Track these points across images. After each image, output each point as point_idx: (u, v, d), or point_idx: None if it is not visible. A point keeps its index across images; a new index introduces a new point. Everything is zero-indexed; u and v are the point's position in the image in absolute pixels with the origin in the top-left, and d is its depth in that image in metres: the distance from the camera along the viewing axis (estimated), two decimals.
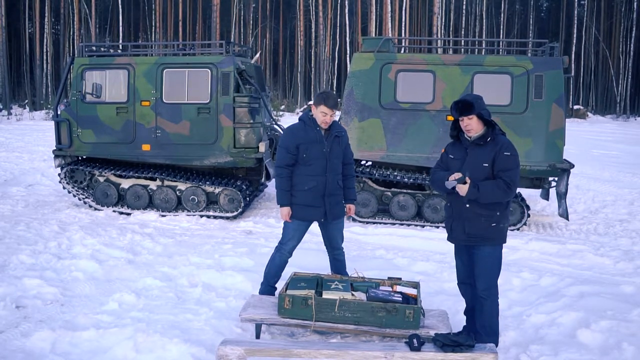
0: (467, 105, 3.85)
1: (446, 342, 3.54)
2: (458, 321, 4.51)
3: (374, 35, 32.28)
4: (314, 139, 4.55)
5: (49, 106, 28.19)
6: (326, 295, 4.16)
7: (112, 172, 8.51)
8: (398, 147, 7.98)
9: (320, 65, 37.86)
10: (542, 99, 7.61)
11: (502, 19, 41.86)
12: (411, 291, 4.25)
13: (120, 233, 7.22)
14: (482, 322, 4.00)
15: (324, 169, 4.59)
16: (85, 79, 8.37)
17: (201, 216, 8.39)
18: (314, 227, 4.89)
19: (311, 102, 4.67)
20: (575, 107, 35.31)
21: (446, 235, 4.21)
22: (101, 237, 6.94)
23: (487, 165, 3.86)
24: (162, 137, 8.26)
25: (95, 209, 8.63)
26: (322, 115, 4.52)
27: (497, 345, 4.03)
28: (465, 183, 3.82)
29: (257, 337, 4.22)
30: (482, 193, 3.80)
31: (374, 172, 8.06)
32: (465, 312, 4.30)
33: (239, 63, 8.21)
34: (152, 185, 8.59)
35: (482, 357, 3.49)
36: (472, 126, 3.89)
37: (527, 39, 39.83)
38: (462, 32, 39.05)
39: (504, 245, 4.05)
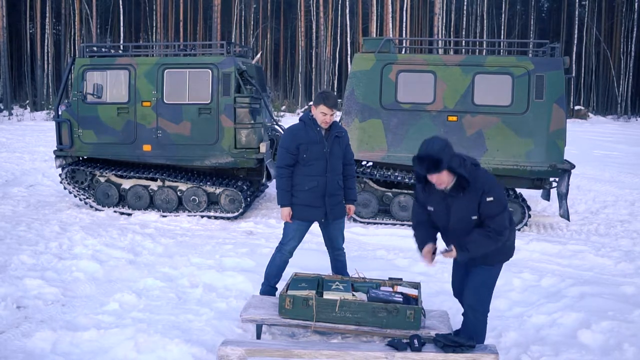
0: (434, 162, 3.36)
1: (447, 343, 3.54)
2: (459, 322, 4.49)
3: (374, 35, 32.29)
4: (315, 140, 4.56)
5: (50, 106, 28.22)
6: (327, 295, 4.16)
7: (113, 172, 8.51)
8: (399, 147, 7.98)
9: (321, 65, 37.86)
10: (543, 100, 7.60)
11: (503, 20, 41.86)
12: (412, 292, 4.25)
13: (121, 233, 7.22)
14: (466, 333, 3.76)
15: (324, 169, 4.59)
16: (86, 79, 8.38)
17: (202, 217, 8.39)
18: (315, 227, 4.89)
19: (312, 103, 4.67)
20: (576, 107, 35.31)
21: None
22: (102, 238, 6.94)
23: (475, 217, 3.50)
24: (163, 138, 8.26)
25: (96, 209, 8.63)
26: (322, 115, 4.52)
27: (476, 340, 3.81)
28: (449, 251, 3.59)
29: (258, 337, 4.22)
30: (472, 252, 3.50)
31: (375, 172, 8.06)
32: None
33: (240, 63, 8.21)
34: (153, 185, 8.59)
35: (482, 357, 3.49)
36: (442, 180, 3.45)
37: (528, 39, 39.82)
38: (463, 33, 39.04)
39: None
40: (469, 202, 3.47)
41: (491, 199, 3.43)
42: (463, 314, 4.00)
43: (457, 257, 3.59)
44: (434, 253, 3.75)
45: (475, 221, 3.50)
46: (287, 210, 4.62)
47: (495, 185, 3.50)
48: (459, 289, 3.99)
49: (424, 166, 3.40)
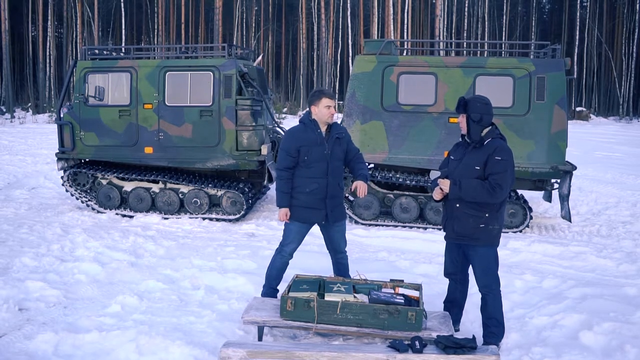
0: (461, 102, 4.06)
1: (448, 344, 3.54)
2: (461, 323, 4.51)
3: (376, 37, 32.32)
4: (315, 141, 4.55)
5: (52, 109, 28.27)
6: (328, 297, 4.16)
7: (115, 174, 8.52)
8: (400, 149, 7.98)
9: (323, 67, 37.88)
10: (544, 101, 7.60)
11: (504, 21, 41.85)
12: (413, 293, 4.25)
13: (122, 236, 7.23)
14: (487, 315, 4.12)
15: (325, 171, 4.58)
16: (88, 82, 8.40)
17: (203, 219, 8.39)
18: (316, 229, 4.89)
19: (310, 104, 4.67)
20: (578, 109, 35.28)
21: None
22: (104, 240, 6.95)
23: (478, 168, 3.98)
24: (165, 140, 8.27)
25: (98, 211, 8.64)
26: (327, 108, 4.55)
27: (502, 335, 4.18)
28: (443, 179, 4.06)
29: (260, 339, 4.22)
30: (463, 190, 3.94)
31: (377, 174, 8.06)
32: (445, 302, 4.47)
33: (242, 66, 8.22)
34: (155, 188, 8.60)
35: (484, 359, 3.49)
36: (462, 124, 4.09)
37: (530, 41, 39.82)
38: (465, 34, 39.06)
39: (506, 246, 4.09)
40: (478, 156, 3.99)
41: (499, 158, 3.92)
42: (445, 302, 4.43)
43: (449, 190, 4.01)
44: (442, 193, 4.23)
45: (477, 172, 3.96)
46: (284, 211, 4.63)
47: (507, 153, 3.97)
48: (450, 269, 4.36)
49: (459, 102, 4.06)
